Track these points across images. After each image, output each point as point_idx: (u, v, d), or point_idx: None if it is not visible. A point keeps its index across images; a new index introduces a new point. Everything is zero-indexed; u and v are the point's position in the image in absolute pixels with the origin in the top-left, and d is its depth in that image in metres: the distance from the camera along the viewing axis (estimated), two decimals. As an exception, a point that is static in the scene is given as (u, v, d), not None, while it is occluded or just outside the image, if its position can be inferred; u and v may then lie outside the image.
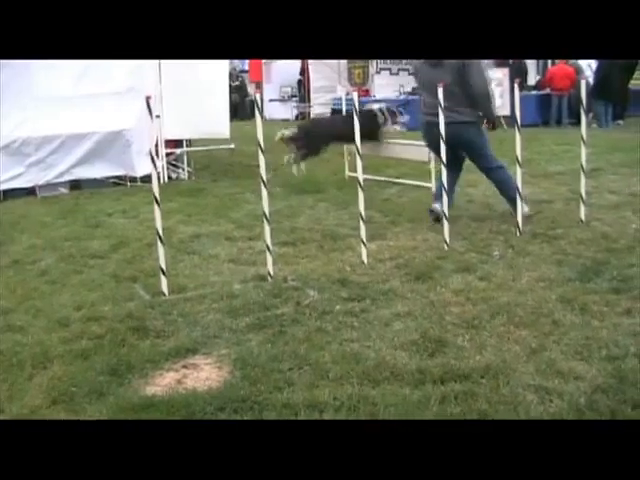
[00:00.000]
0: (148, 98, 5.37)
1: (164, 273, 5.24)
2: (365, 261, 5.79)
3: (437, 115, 6.28)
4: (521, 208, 6.62)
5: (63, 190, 10.22)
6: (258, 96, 5.50)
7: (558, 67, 18.75)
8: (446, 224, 6.17)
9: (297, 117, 25.64)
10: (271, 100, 26.62)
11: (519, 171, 6.47)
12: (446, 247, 6.14)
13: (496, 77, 18.31)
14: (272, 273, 5.47)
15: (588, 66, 18.68)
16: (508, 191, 6.97)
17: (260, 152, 5.44)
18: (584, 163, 6.81)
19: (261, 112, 5.51)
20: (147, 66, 10.50)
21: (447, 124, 6.28)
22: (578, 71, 17.87)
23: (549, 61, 20.38)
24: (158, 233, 5.28)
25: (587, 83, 7.06)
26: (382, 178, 9.69)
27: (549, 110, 18.40)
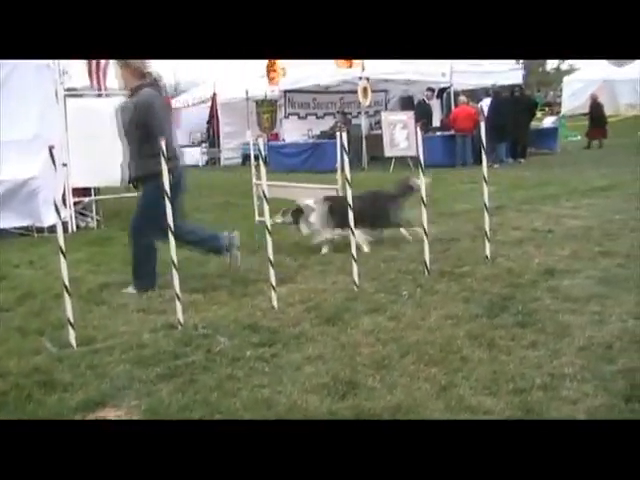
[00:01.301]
0: (51, 148, 5.30)
1: (72, 325, 5.14)
2: (275, 305, 5.79)
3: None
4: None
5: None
6: (163, 143, 5.47)
7: (460, 108, 19.31)
8: (355, 265, 6.23)
9: (207, 163, 25.66)
10: (181, 146, 26.55)
11: (424, 211, 6.58)
12: (356, 288, 6.19)
13: (401, 119, 18.85)
14: (182, 321, 5.42)
15: (482, 107, 19.31)
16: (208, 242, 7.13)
17: (166, 199, 5.42)
18: (487, 201, 6.97)
19: (167, 159, 5.50)
20: (53, 114, 10.38)
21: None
22: (479, 112, 18.44)
23: (452, 102, 20.97)
24: (64, 284, 5.19)
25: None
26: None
27: (454, 151, 18.85)
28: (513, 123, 18.68)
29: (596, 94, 24.97)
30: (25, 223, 10.34)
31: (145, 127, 6.38)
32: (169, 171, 5.68)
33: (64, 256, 5.22)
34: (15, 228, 10.27)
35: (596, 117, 23.16)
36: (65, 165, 10.07)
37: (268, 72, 21.49)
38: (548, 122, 24.64)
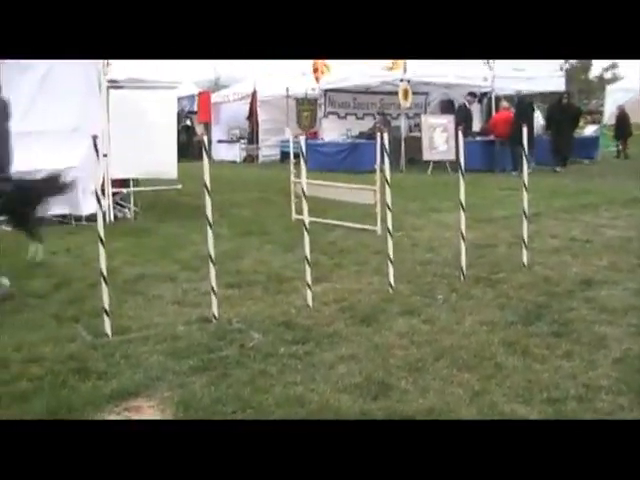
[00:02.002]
0: (95, 137, 5.35)
1: (107, 314, 5.19)
2: (310, 304, 5.79)
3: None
4: None
5: (5, 228, 10.04)
6: (205, 138, 5.51)
7: (500, 113, 19.17)
8: (391, 267, 6.21)
9: (245, 159, 25.68)
10: (219, 141, 26.63)
11: (463, 216, 6.55)
12: (391, 290, 6.18)
13: (441, 123, 18.77)
14: (217, 315, 5.45)
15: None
16: None
17: (206, 193, 5.45)
18: (526, 208, 6.93)
19: (208, 153, 5.53)
20: (95, 105, 10.47)
21: None
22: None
23: (493, 107, 20.83)
24: (102, 273, 5.23)
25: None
26: (328, 221, 9.69)
27: (493, 156, 18.72)
28: (556, 131, 18.63)
29: (623, 105, 24.97)
30: (64, 211, 10.42)
31: None
32: None
33: (103, 245, 5.27)
34: (54, 216, 10.35)
35: (621, 127, 23.76)
36: (105, 156, 10.14)
37: (314, 70, 21.52)
38: (589, 131, 24.38)
